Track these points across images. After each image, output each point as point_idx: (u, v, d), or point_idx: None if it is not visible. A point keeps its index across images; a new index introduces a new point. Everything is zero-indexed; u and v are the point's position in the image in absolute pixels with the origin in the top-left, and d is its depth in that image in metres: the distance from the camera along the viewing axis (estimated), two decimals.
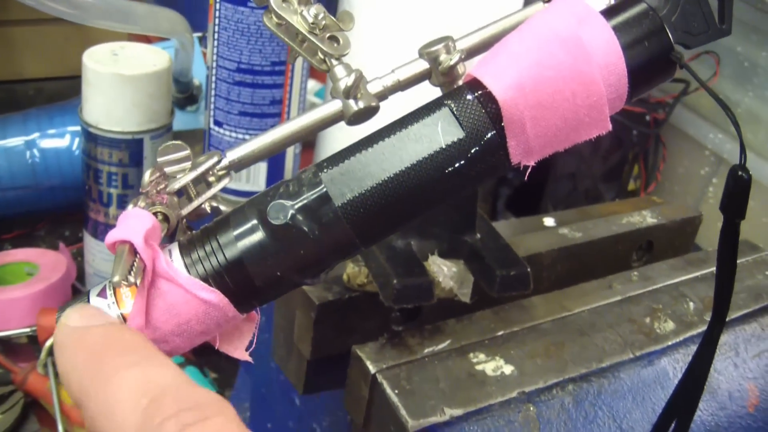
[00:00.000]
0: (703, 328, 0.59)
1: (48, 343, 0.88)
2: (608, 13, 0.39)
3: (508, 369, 0.52)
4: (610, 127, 0.38)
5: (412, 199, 0.38)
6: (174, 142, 0.44)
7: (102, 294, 0.39)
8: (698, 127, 1.27)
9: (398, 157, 0.37)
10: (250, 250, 0.38)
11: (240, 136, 0.85)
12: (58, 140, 1.03)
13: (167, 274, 0.37)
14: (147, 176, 0.42)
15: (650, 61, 0.39)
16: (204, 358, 0.97)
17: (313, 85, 1.26)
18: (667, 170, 1.35)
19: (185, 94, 1.06)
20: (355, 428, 0.54)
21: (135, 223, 0.37)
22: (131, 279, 0.35)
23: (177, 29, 0.95)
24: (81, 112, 0.91)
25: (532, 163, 0.39)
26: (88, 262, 1.00)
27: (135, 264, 0.36)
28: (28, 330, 0.92)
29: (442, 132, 0.37)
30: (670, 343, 0.58)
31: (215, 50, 0.83)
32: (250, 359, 0.40)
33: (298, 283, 0.39)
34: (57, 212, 1.11)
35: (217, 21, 0.82)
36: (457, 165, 0.37)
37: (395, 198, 0.37)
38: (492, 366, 0.52)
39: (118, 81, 0.87)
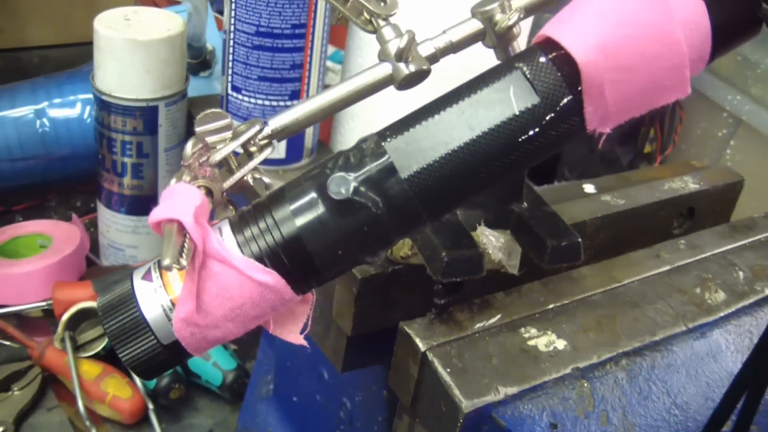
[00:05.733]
0: (755, 297, 0.57)
1: (65, 317, 0.85)
2: None
3: (560, 344, 0.50)
4: (689, 90, 0.36)
5: (482, 169, 0.35)
6: (213, 110, 0.42)
7: (147, 277, 0.37)
8: (716, 89, 1.24)
9: (467, 125, 0.35)
10: (309, 226, 0.35)
11: (259, 102, 0.82)
12: (68, 109, 1.00)
13: (219, 255, 0.35)
14: (189, 147, 0.39)
15: (736, 18, 0.36)
16: None
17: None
18: (684, 132, 1.32)
19: (198, 60, 1.03)
20: (400, 408, 0.52)
21: (182, 200, 0.35)
22: (183, 262, 0.33)
23: None
24: (93, 79, 0.88)
25: (607, 130, 0.36)
26: (102, 233, 0.97)
27: (185, 245, 0.34)
28: (43, 304, 0.90)
29: (514, 97, 0.35)
30: (722, 314, 0.56)
31: (233, 13, 0.80)
32: (305, 343, 0.38)
33: (358, 261, 0.36)
34: (68, 183, 1.08)
35: None
36: (530, 132, 0.35)
37: (465, 168, 0.35)
38: (544, 341, 0.50)
39: (132, 47, 0.84)
